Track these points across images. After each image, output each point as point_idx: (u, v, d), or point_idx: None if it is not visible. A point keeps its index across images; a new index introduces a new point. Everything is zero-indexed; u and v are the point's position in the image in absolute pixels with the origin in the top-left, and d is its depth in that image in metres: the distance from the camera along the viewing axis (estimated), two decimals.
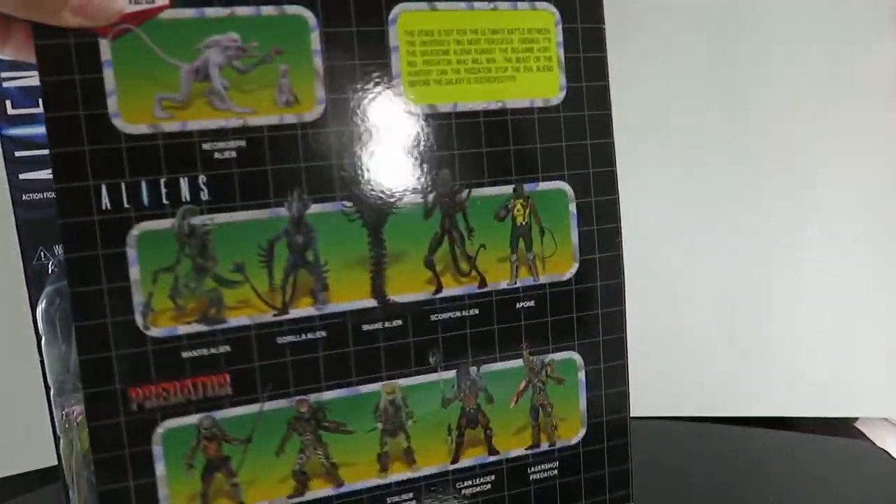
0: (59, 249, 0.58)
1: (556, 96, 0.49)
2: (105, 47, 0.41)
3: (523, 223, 0.49)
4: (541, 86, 0.49)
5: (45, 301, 0.55)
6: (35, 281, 0.59)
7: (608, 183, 0.51)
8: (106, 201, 0.42)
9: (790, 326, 0.80)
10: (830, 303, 0.81)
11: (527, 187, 0.49)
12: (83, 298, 0.42)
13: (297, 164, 0.45)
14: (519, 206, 0.49)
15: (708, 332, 0.80)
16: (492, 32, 0.48)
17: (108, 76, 0.42)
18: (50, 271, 0.59)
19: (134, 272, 0.43)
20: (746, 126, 0.76)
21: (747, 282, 0.83)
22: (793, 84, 0.79)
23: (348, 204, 0.46)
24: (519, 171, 0.49)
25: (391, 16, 0.45)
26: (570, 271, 0.50)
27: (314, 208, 0.45)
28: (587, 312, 0.51)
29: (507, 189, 0.49)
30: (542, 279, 0.50)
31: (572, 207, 0.50)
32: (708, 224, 0.78)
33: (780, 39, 0.78)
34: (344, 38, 0.45)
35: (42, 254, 0.60)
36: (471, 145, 0.48)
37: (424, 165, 0.47)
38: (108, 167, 0.42)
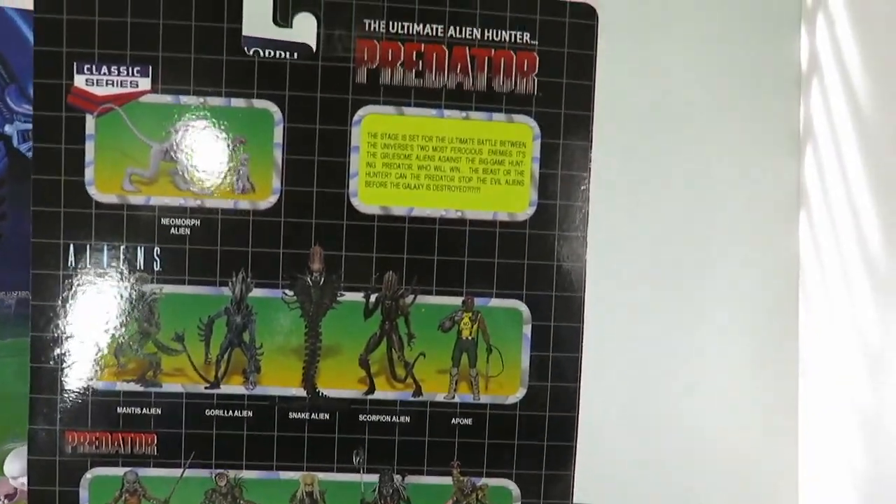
0: None
1: (524, 212, 0.44)
2: (90, 122, 0.43)
3: (469, 338, 0.44)
4: (507, 199, 0.44)
5: None
6: None
7: (573, 309, 0.44)
8: (72, 259, 0.44)
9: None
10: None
11: (478, 301, 0.44)
12: (40, 343, 0.44)
13: (245, 248, 0.44)
14: (466, 320, 0.44)
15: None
16: (460, 141, 0.44)
17: (89, 148, 0.43)
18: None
19: (86, 326, 0.44)
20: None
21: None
22: (701, 198, 0.66)
23: (289, 293, 0.44)
24: (471, 283, 0.44)
25: (356, 117, 0.43)
26: (516, 396, 0.44)
27: (256, 292, 0.44)
28: (530, 442, 0.44)
29: (456, 300, 0.44)
30: (484, 399, 0.44)
31: (526, 329, 0.44)
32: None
33: (692, 141, 0.66)
34: (306, 134, 0.43)
35: None
36: (422, 251, 0.44)
37: (371, 266, 0.44)
38: (78, 229, 0.44)
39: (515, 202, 0.44)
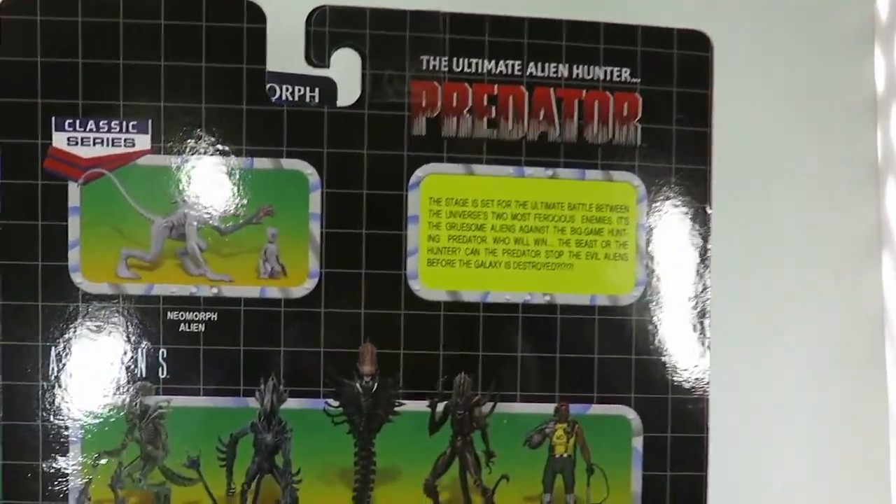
0: None
1: (629, 293, 0.33)
2: (74, 192, 0.32)
3: (564, 455, 0.33)
4: (608, 278, 0.33)
5: None
6: None
7: (695, 415, 0.33)
8: (53, 366, 0.32)
9: None
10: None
11: (574, 409, 0.33)
12: (13, 478, 0.32)
13: (276, 348, 0.32)
14: (560, 432, 0.33)
15: None
16: (546, 206, 0.33)
17: (73, 225, 0.32)
18: None
19: (74, 451, 0.32)
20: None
21: None
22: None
23: (334, 403, 0.32)
24: (566, 386, 0.33)
25: (414, 178, 0.32)
26: None
27: (291, 403, 0.32)
28: None
29: (547, 408, 0.33)
30: None
31: (637, 443, 0.33)
32: None
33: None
34: (350, 201, 0.32)
35: None
36: (502, 347, 0.32)
37: (437, 366, 0.32)
38: (61, 328, 0.32)
39: (618, 281, 0.32)
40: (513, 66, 0.32)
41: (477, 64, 0.32)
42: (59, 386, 0.32)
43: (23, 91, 0.31)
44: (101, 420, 0.32)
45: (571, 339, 0.32)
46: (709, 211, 0.33)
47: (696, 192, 0.33)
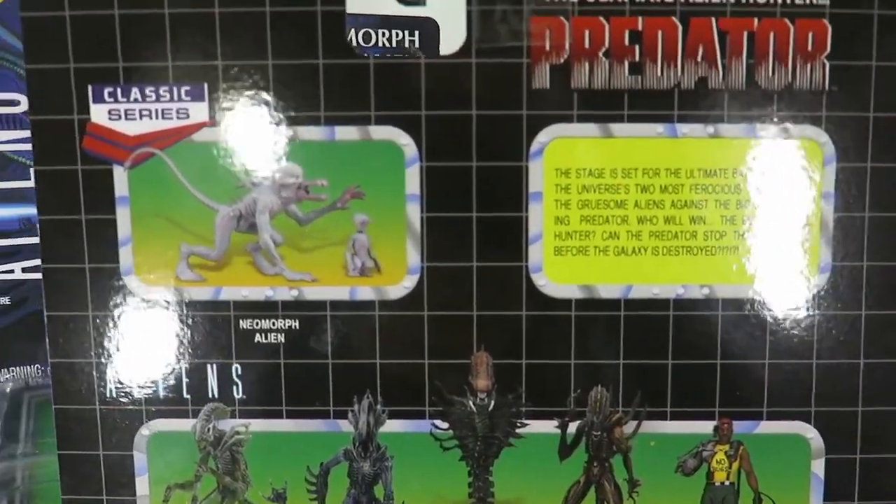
0: (1, 375, 0.28)
1: (811, 282, 0.23)
2: (121, 177, 0.24)
3: (726, 483, 0.24)
4: (783, 264, 0.23)
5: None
6: None
7: (891, 430, 0.24)
8: (111, 387, 0.24)
9: None
10: None
11: (738, 427, 0.24)
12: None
13: (371, 360, 0.24)
14: (721, 456, 0.24)
15: None
16: (705, 175, 0.23)
17: (123, 218, 0.24)
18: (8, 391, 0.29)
19: (141, 484, 0.25)
20: None
21: None
22: None
23: (443, 424, 0.24)
24: (728, 399, 0.24)
25: (536, 145, 0.23)
26: None
27: (391, 425, 0.24)
28: None
29: (705, 427, 0.24)
30: None
31: (817, 467, 0.24)
32: None
33: None
34: (456, 177, 0.23)
35: None
36: (648, 353, 0.24)
37: (569, 379, 0.24)
38: (116, 342, 0.24)
39: (796, 268, 0.23)
40: None
41: None
42: (119, 409, 0.24)
43: (52, 53, 0.23)
44: (170, 448, 0.24)
45: (735, 341, 0.23)
46: None
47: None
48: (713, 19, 0.22)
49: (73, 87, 0.23)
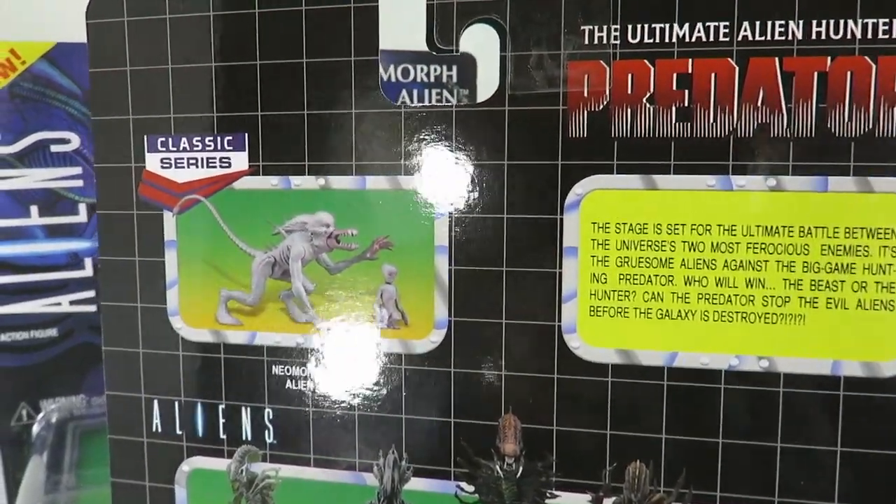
0: (47, 405, 0.30)
1: (890, 361, 0.19)
2: (170, 222, 0.23)
3: None
4: (861, 337, 0.19)
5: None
6: (12, 446, 0.30)
7: None
8: (157, 422, 0.24)
9: None
10: None
11: None
12: None
13: (398, 415, 0.22)
14: None
15: None
16: (765, 233, 0.19)
17: (171, 261, 0.23)
18: (35, 436, 0.30)
19: None
20: None
21: None
22: None
23: (468, 487, 0.21)
24: (789, 487, 0.19)
25: (572, 196, 0.20)
26: None
27: (415, 483, 0.22)
28: None
29: None
30: None
31: None
32: None
33: None
34: (486, 229, 0.21)
35: (25, 412, 0.30)
36: (695, 428, 0.20)
37: (605, 449, 0.20)
38: (163, 379, 0.24)
39: (878, 342, 0.18)
40: (716, 29, 0.19)
41: (662, 31, 0.19)
42: (162, 445, 0.23)
43: (114, 105, 0.23)
44: (209, 486, 0.23)
45: (800, 422, 0.19)
46: None
47: None
48: (776, 59, 0.19)
49: (132, 139, 0.23)
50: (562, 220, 0.20)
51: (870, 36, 0.18)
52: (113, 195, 0.23)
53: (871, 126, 0.18)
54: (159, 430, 0.24)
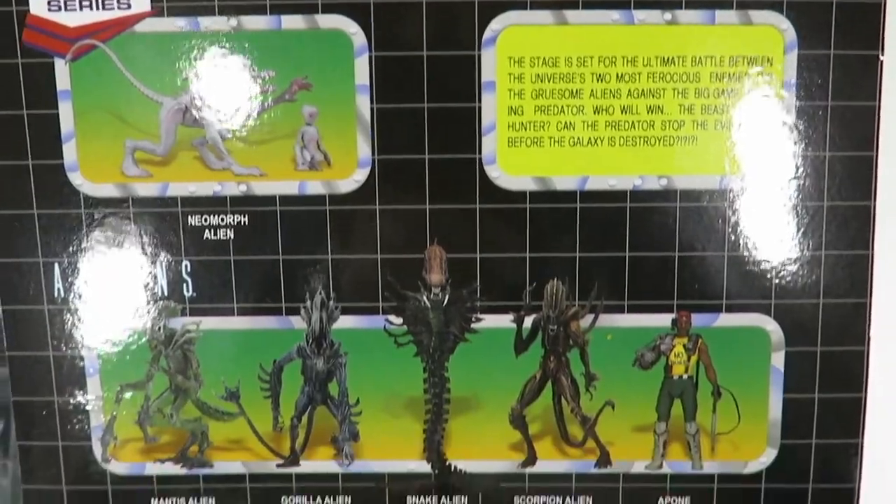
0: None
1: (771, 172, 0.21)
2: (62, 70, 0.21)
3: (684, 376, 0.22)
4: (742, 153, 0.22)
5: None
6: None
7: (852, 324, 0.22)
8: (59, 286, 0.22)
9: None
10: None
11: (697, 320, 0.22)
12: (28, 413, 0.23)
13: (323, 256, 0.22)
14: (679, 349, 0.22)
15: None
16: (663, 63, 0.21)
17: (65, 112, 0.21)
18: None
19: (93, 384, 0.23)
20: None
21: None
22: None
23: (396, 320, 0.22)
24: (686, 292, 0.22)
25: (489, 33, 0.21)
26: (761, 461, 0.23)
27: (344, 321, 0.22)
28: None
29: (663, 319, 0.22)
30: (709, 467, 0.23)
31: (777, 360, 0.22)
32: None
33: None
34: (407, 67, 0.21)
35: None
36: (605, 245, 0.22)
37: (524, 272, 0.22)
38: (63, 239, 0.22)
39: (755, 157, 0.21)
40: None
41: None
42: (68, 310, 0.22)
43: None
44: (121, 348, 0.22)
45: (694, 232, 0.21)
46: (881, 58, 0.21)
47: (866, 35, 0.21)
48: None
49: None
50: (479, 55, 0.21)
51: None
52: None
53: None
54: (60, 293, 0.23)
